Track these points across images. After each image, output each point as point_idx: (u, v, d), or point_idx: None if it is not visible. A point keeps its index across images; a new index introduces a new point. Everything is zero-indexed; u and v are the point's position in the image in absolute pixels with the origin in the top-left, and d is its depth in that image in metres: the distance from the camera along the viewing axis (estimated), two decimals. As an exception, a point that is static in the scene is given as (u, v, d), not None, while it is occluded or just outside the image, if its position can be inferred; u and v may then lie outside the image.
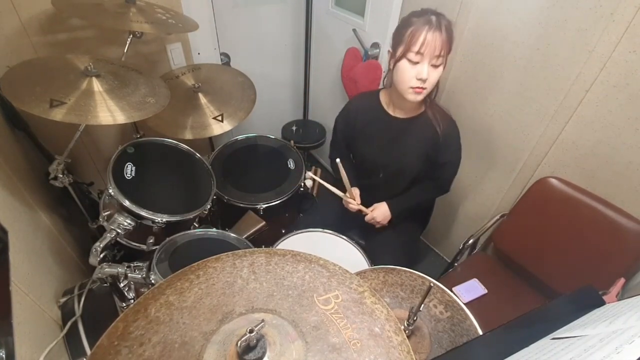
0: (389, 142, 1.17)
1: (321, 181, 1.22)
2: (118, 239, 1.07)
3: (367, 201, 1.37)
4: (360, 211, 1.24)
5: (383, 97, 1.18)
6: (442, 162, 1.17)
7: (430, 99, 1.13)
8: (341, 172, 1.10)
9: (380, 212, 1.25)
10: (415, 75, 0.97)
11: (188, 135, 1.33)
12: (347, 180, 1.15)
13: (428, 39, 0.93)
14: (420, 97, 1.02)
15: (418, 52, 0.95)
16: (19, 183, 1.05)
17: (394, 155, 1.17)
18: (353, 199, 1.21)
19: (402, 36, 0.98)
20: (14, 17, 1.15)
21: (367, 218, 1.26)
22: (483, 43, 1.29)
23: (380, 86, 1.60)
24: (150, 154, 1.23)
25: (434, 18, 0.94)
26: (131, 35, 1.21)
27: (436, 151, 1.14)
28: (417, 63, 0.97)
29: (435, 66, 0.97)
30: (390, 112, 1.16)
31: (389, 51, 1.06)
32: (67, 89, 0.94)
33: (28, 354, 0.78)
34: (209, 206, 1.24)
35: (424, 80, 0.98)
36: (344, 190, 1.22)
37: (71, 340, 0.96)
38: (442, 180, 1.26)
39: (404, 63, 0.99)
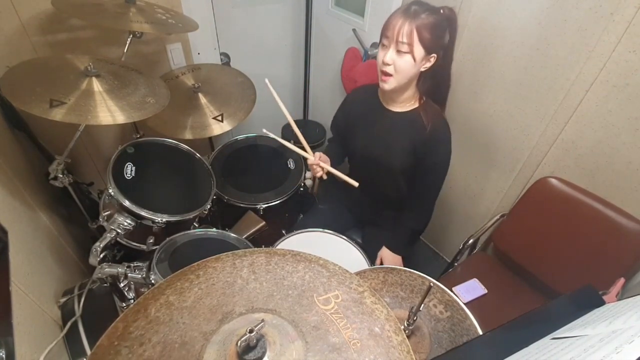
0: (377, 135, 1.17)
1: (289, 144, 1.19)
2: (118, 239, 1.07)
3: (363, 201, 1.37)
4: (319, 169, 1.18)
5: (381, 90, 1.19)
6: (428, 165, 1.14)
7: (425, 97, 1.12)
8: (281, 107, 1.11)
9: (392, 259, 1.25)
10: (382, 59, 0.99)
11: (188, 135, 1.33)
12: (299, 133, 1.15)
13: (393, 22, 0.95)
14: (387, 86, 1.02)
15: (384, 35, 0.98)
16: (19, 183, 1.05)
17: (381, 148, 1.17)
18: (311, 155, 1.18)
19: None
20: (14, 17, 1.15)
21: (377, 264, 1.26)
22: (483, 43, 1.29)
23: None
24: (150, 154, 1.23)
25: (413, 7, 0.96)
26: (131, 35, 1.21)
27: (424, 150, 1.12)
28: (385, 46, 0.99)
29: (401, 52, 0.97)
30: (384, 103, 1.16)
31: None
32: (67, 89, 0.94)
33: (28, 354, 0.78)
34: (209, 206, 1.24)
35: (387, 64, 0.98)
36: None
37: (71, 340, 0.96)
38: (428, 193, 1.21)
39: (380, 47, 1.02)
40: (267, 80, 1.07)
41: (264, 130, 1.18)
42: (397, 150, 1.15)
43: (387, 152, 1.16)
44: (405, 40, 0.95)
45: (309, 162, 1.19)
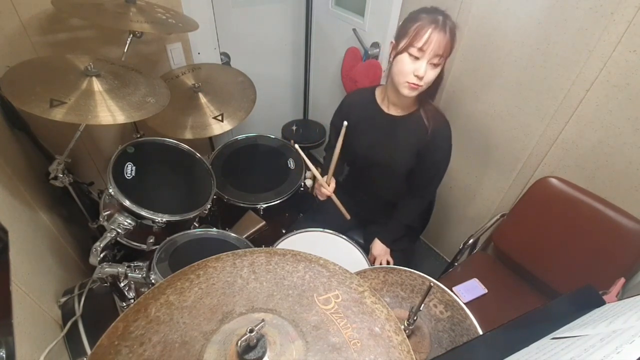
0: (380, 139, 1.17)
1: (304, 156, 1.17)
2: (118, 238, 1.07)
3: (364, 201, 1.37)
4: (329, 198, 1.21)
5: (378, 94, 1.18)
6: (429, 162, 1.15)
7: (424, 98, 1.12)
8: (338, 143, 1.07)
9: (380, 249, 1.28)
10: (413, 71, 0.98)
11: (188, 135, 1.33)
12: (333, 164, 1.14)
13: (432, 37, 0.94)
14: (414, 93, 1.02)
15: (420, 49, 0.95)
16: (19, 183, 1.05)
17: (385, 152, 1.17)
18: (327, 185, 1.20)
19: (407, 29, 0.98)
20: (14, 17, 1.15)
21: (370, 259, 1.27)
22: (483, 43, 1.29)
23: (383, 80, 1.59)
24: (150, 154, 1.23)
25: (441, 18, 0.95)
26: (131, 35, 1.21)
27: (426, 150, 1.13)
28: (417, 59, 0.97)
29: (434, 65, 0.97)
30: (384, 108, 1.16)
31: (391, 42, 1.06)
32: (67, 88, 0.94)
33: (28, 354, 0.78)
34: (209, 206, 1.24)
35: (420, 78, 0.98)
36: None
37: (71, 340, 0.96)
38: (426, 188, 1.24)
39: (404, 56, 0.99)
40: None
41: (294, 144, 1.18)
42: (402, 153, 1.15)
43: (392, 156, 1.17)
44: (444, 54, 0.95)
45: (322, 189, 1.20)
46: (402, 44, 0.99)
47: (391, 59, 1.05)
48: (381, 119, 1.16)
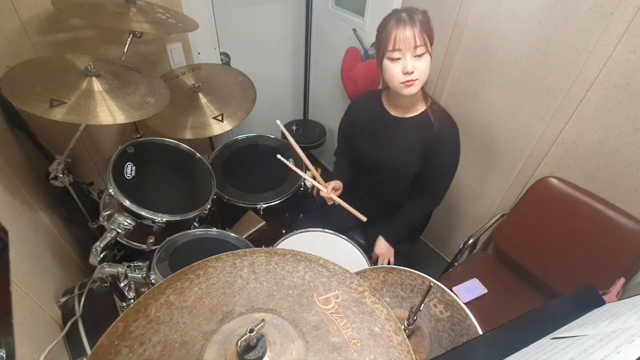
0: (387, 141, 1.18)
1: (290, 136, 1.20)
2: (118, 238, 1.07)
3: (369, 202, 1.36)
4: (331, 200, 1.22)
5: (385, 96, 1.19)
6: (435, 164, 1.15)
7: (431, 98, 1.13)
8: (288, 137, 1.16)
9: (383, 247, 1.27)
10: (402, 70, 0.99)
11: (188, 135, 1.33)
12: (301, 151, 1.18)
13: (400, 35, 0.96)
14: (414, 90, 1.02)
15: (395, 49, 0.97)
16: (18, 183, 1.05)
17: (393, 154, 1.17)
18: (325, 187, 1.21)
19: (380, 39, 1.02)
20: (14, 17, 1.15)
21: (374, 258, 1.28)
22: (483, 43, 1.29)
23: (380, 86, 1.60)
24: (150, 154, 1.23)
25: (404, 14, 0.97)
26: (131, 35, 1.21)
27: (431, 150, 1.13)
28: (399, 59, 0.99)
29: (419, 56, 0.98)
30: (391, 111, 1.16)
31: (375, 56, 1.08)
32: (67, 88, 0.94)
33: (28, 354, 0.78)
34: (209, 206, 1.24)
35: (410, 73, 0.99)
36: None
37: (71, 340, 0.96)
38: (435, 190, 1.24)
39: (387, 62, 1.01)
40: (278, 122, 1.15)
41: (281, 157, 1.21)
42: (407, 153, 1.16)
43: (398, 158, 1.17)
44: (420, 43, 0.96)
45: (321, 193, 1.21)
46: (380, 53, 1.02)
47: (380, 70, 1.07)
48: (387, 120, 1.16)
